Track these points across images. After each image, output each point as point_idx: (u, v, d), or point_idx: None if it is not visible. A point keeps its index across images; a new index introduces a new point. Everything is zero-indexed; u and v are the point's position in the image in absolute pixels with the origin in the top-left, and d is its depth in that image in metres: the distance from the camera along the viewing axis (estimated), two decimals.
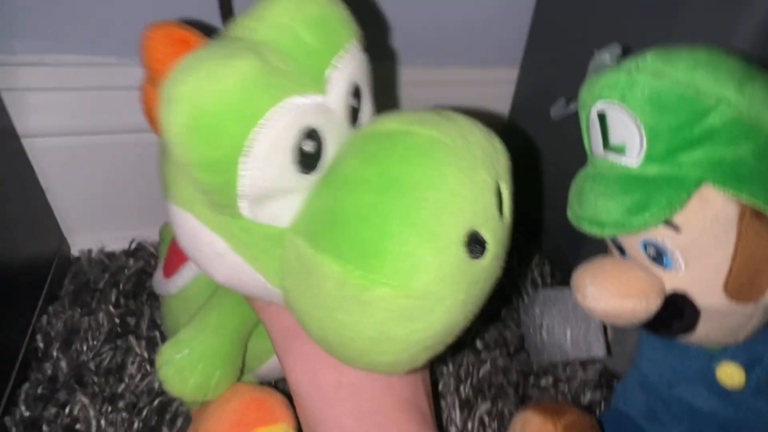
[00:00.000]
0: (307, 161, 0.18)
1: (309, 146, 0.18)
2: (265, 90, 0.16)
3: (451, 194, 0.17)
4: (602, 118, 0.25)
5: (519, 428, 0.32)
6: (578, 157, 0.44)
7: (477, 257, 0.18)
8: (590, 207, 0.26)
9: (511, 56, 0.51)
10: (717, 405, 0.30)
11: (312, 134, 0.18)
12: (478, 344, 0.44)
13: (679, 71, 0.22)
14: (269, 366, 0.32)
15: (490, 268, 0.19)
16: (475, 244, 0.18)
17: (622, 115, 0.24)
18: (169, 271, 0.33)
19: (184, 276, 0.32)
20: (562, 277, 0.51)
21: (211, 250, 0.20)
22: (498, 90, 0.53)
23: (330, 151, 0.19)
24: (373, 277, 0.17)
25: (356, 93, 0.20)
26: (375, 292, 0.17)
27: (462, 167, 0.18)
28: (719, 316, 0.26)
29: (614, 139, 0.25)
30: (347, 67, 0.19)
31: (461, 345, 0.43)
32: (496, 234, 0.19)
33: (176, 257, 0.33)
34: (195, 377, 0.26)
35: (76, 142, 0.41)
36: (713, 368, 0.29)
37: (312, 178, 0.19)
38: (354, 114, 0.20)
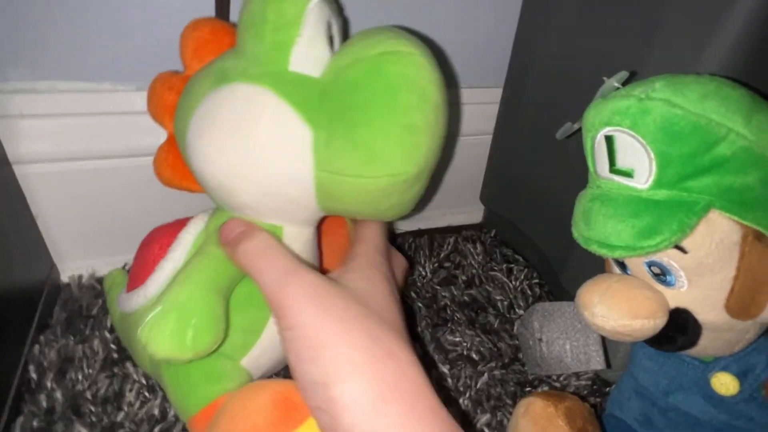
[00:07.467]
0: (330, 39, 0.27)
1: (329, 31, 0.27)
2: None
3: None
4: (609, 140, 0.26)
5: (522, 411, 0.33)
6: (563, 172, 0.46)
7: None
8: (599, 229, 0.26)
9: (494, 77, 0.53)
10: (712, 412, 0.31)
11: (330, 25, 0.27)
12: (475, 356, 0.44)
13: (691, 101, 0.23)
14: (264, 345, 0.32)
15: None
16: None
17: (632, 140, 0.25)
18: (143, 278, 0.32)
19: (167, 269, 0.32)
20: (550, 288, 0.53)
21: (261, 106, 0.26)
22: (483, 109, 0.55)
23: (336, 46, 0.28)
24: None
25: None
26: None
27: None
28: (719, 331, 0.28)
29: (622, 162, 0.26)
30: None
31: (458, 358, 0.44)
32: None
33: (149, 261, 0.33)
34: (169, 326, 0.25)
35: (67, 168, 0.40)
36: (708, 378, 0.31)
37: (330, 54, 0.27)
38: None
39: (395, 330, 0.25)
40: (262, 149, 0.26)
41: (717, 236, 0.25)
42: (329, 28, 0.27)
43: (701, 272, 0.26)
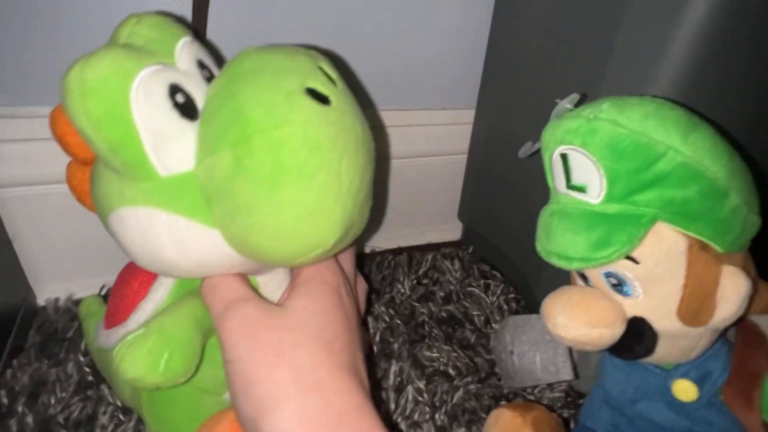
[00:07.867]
0: (185, 109, 0.24)
1: (181, 98, 0.24)
2: (130, 60, 0.23)
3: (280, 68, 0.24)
4: (564, 158, 0.27)
5: (492, 422, 0.34)
6: (534, 189, 0.47)
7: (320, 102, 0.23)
8: (558, 242, 0.28)
9: (467, 98, 0.55)
10: (674, 418, 0.32)
11: (178, 89, 0.24)
12: (451, 371, 0.45)
13: (633, 121, 0.25)
14: None
15: (341, 113, 0.24)
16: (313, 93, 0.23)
17: (584, 158, 0.26)
18: (123, 316, 0.32)
19: (148, 310, 0.31)
20: (526, 303, 0.54)
21: (155, 229, 0.24)
22: (459, 129, 0.57)
23: (200, 104, 0.25)
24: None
25: (203, 65, 0.27)
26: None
27: (283, 56, 0.24)
28: (674, 338, 0.29)
29: (576, 178, 0.27)
30: (187, 48, 0.26)
31: (435, 373, 0.44)
32: (330, 88, 0.24)
33: (129, 299, 0.32)
34: (147, 346, 0.25)
35: (44, 191, 0.40)
36: (669, 385, 0.32)
37: (196, 124, 0.24)
38: (211, 79, 0.27)
39: (332, 353, 0.25)
40: (181, 263, 0.25)
41: (665, 247, 0.26)
42: (175, 93, 0.24)
43: (653, 282, 0.27)
